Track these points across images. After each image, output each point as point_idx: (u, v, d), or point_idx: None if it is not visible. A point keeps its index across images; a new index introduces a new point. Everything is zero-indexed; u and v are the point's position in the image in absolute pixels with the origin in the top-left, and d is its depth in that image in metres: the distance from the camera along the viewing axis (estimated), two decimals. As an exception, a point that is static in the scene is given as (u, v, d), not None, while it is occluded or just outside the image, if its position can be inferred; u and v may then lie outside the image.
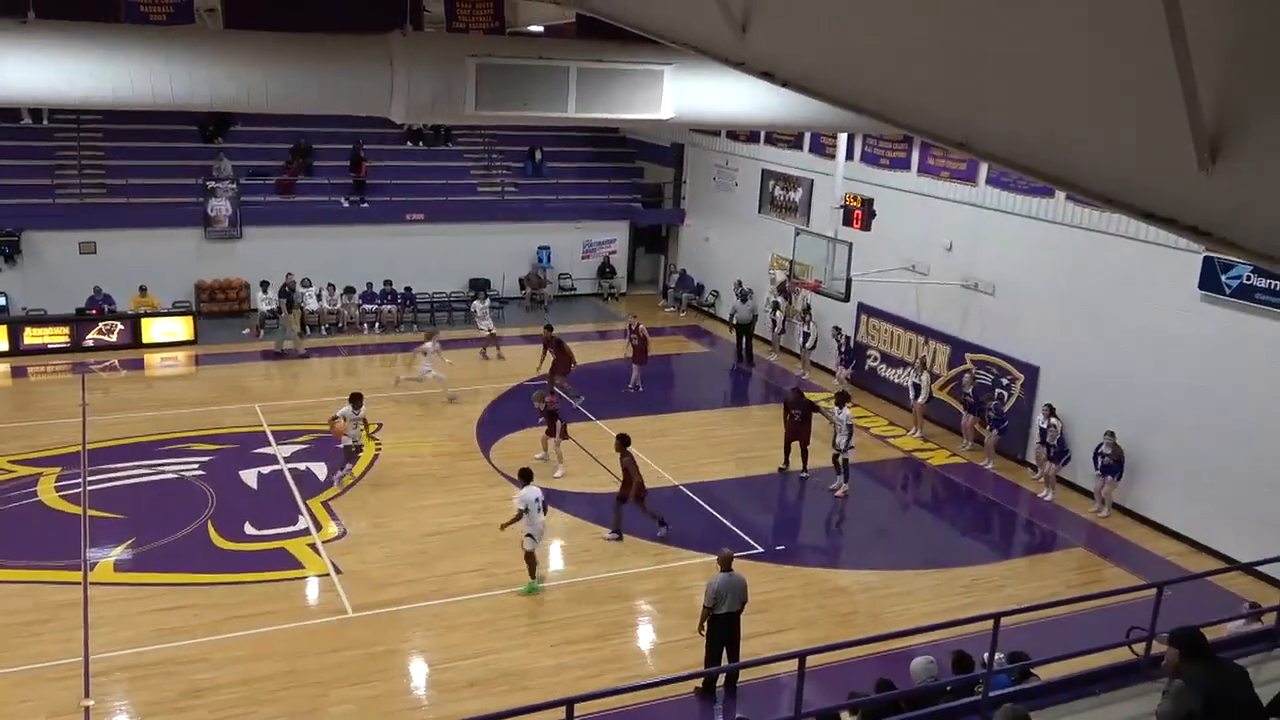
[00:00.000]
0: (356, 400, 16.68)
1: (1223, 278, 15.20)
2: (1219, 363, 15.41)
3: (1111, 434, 16.42)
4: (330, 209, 27.11)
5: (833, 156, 22.17)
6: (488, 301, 24.95)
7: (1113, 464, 16.50)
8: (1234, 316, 15.16)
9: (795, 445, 18.07)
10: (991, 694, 8.12)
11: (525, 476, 13.94)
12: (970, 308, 20.17)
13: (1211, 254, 15.07)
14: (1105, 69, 4.58)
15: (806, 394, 18.74)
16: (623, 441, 15.34)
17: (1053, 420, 17.41)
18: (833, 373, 23.16)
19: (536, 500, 13.50)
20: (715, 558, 11.94)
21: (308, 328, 24.88)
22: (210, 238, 25.87)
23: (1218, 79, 4.04)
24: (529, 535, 13.49)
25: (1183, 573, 14.32)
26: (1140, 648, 8.67)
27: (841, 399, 17.76)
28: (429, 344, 20.85)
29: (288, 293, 24.38)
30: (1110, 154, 4.65)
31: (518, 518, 13.48)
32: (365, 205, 27.51)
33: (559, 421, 17.65)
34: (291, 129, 27.49)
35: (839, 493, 17.40)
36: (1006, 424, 18.71)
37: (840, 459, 17.31)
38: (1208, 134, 4.11)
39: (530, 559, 13.63)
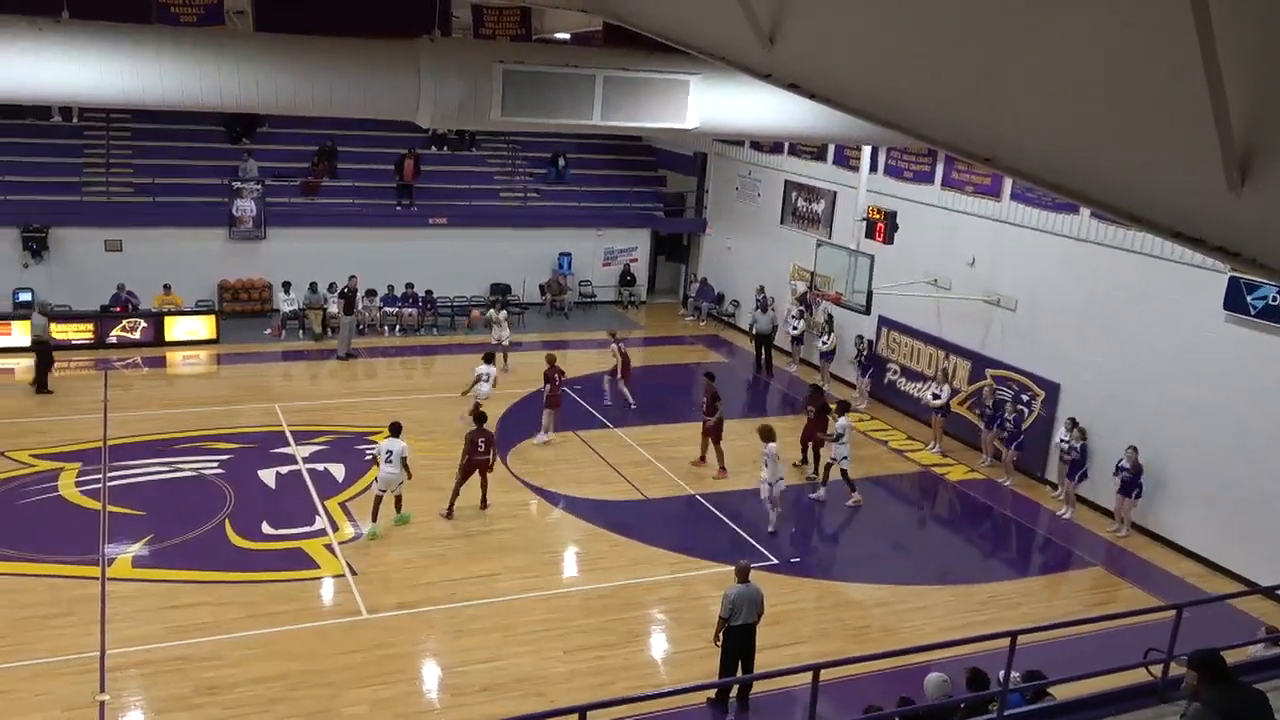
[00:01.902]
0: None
1: (1248, 298, 15.06)
2: (1242, 383, 15.29)
3: (1134, 449, 16.31)
4: (354, 211, 27.26)
5: (856, 169, 22.13)
6: (504, 312, 24.46)
7: (1131, 479, 16.37)
8: (1258, 337, 15.01)
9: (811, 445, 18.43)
10: (1006, 713, 8.08)
11: (393, 429, 15.58)
12: (992, 323, 20.09)
13: (1237, 274, 14.95)
14: (1135, 87, 4.56)
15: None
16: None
17: (1075, 432, 17.31)
18: (853, 385, 23.12)
19: (386, 453, 15.05)
20: (730, 568, 11.92)
21: (329, 330, 24.99)
22: (234, 238, 26.04)
23: (1249, 98, 4.02)
24: (376, 480, 15.24)
25: (1202, 594, 14.21)
26: (1158, 669, 8.61)
27: (843, 407, 17.86)
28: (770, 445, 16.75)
29: (347, 295, 24.31)
30: (1139, 172, 4.63)
31: (374, 462, 15.35)
32: (415, 208, 27.73)
33: (552, 386, 19.06)
34: (318, 131, 27.67)
35: (816, 496, 17.64)
36: (1023, 440, 18.61)
37: (834, 468, 17.45)
38: (1237, 153, 4.08)
39: (375, 503, 15.20)
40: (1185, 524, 16.28)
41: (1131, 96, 4.59)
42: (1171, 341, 16.35)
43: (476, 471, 16.03)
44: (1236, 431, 15.34)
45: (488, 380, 18.99)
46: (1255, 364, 15.10)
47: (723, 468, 18.12)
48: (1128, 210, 4.72)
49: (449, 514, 15.96)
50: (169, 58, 11.39)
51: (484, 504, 16.32)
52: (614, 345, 21.92)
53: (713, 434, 18.18)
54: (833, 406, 18.36)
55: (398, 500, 15.43)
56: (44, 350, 20.71)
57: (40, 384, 20.46)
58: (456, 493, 16.02)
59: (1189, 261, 15.58)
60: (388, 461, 15.01)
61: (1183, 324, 16.17)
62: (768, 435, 16.01)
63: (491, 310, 24.61)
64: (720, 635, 11.48)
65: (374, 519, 15.19)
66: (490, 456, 16.22)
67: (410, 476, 15.41)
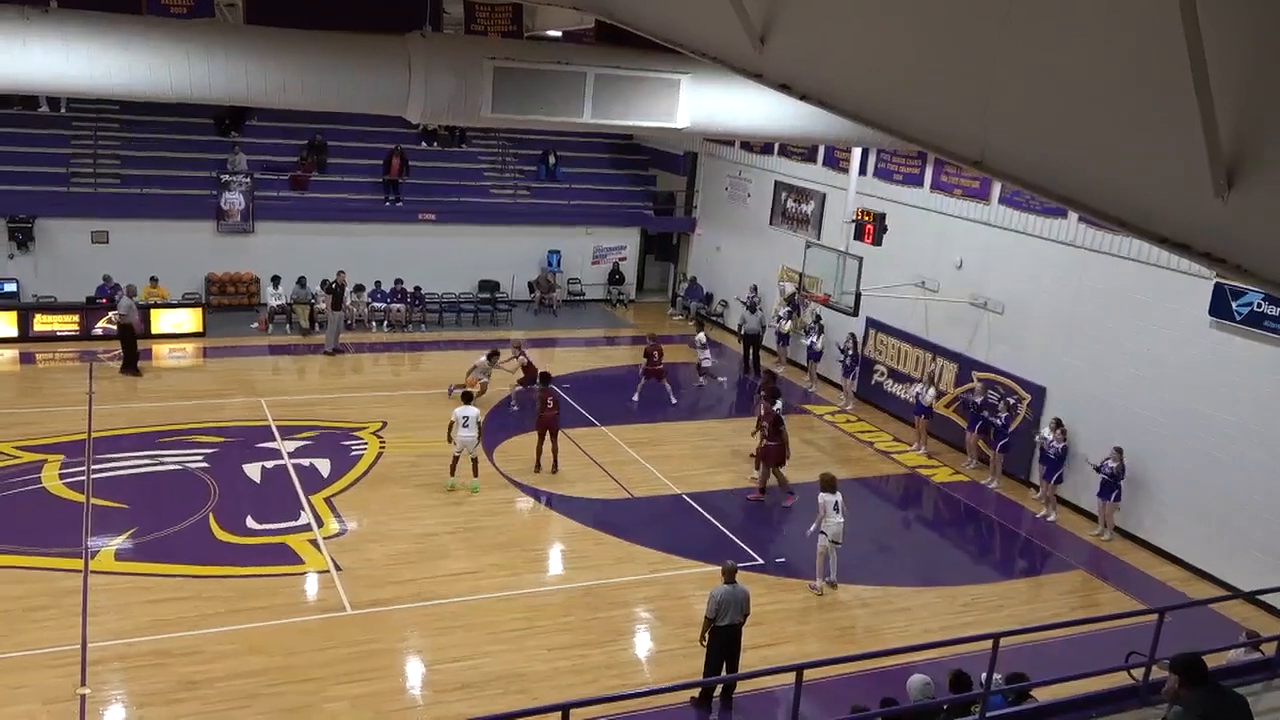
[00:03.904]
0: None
1: (1233, 304, 15.16)
2: (1227, 389, 15.37)
3: (1119, 449, 16.37)
4: (343, 206, 27.16)
5: (846, 170, 22.17)
6: (485, 360, 21.25)
7: (1111, 480, 16.43)
8: (1243, 344, 15.12)
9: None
10: (988, 715, 8.10)
11: (465, 399, 17.11)
12: (979, 326, 20.15)
13: (1223, 280, 15.04)
14: (1124, 94, 4.58)
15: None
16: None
17: (1058, 432, 17.36)
18: (839, 386, 23.14)
19: (464, 418, 16.40)
20: (715, 568, 11.91)
21: (317, 324, 24.92)
22: (222, 231, 25.93)
23: (1236, 105, 4.03)
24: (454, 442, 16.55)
25: (1183, 599, 14.27)
26: (1139, 673, 8.65)
27: (774, 394, 18.01)
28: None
29: (335, 290, 24.02)
30: (1126, 178, 4.64)
31: (450, 428, 16.52)
32: (400, 204, 27.70)
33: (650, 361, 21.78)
34: (307, 125, 27.57)
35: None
36: (1009, 442, 18.67)
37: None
38: (1225, 160, 4.10)
39: (453, 462, 16.63)
40: (1168, 528, 16.36)
41: (1121, 103, 4.61)
42: (1157, 346, 16.42)
43: (546, 432, 17.50)
44: (1220, 437, 15.42)
45: (468, 426, 16.43)
46: (1240, 370, 15.18)
47: (762, 491, 17.37)
48: (1115, 215, 4.73)
49: (537, 468, 17.67)
50: (158, 49, 11.34)
51: (555, 467, 17.60)
52: (518, 356, 20.78)
53: (768, 459, 17.20)
54: (761, 393, 18.31)
55: (474, 464, 16.66)
56: (129, 334, 21.30)
57: (131, 365, 21.31)
58: (540, 450, 17.67)
59: (1175, 267, 15.66)
60: (465, 426, 16.32)
61: (1169, 329, 16.24)
62: (829, 485, 14.40)
63: (484, 358, 21.23)
64: (706, 635, 11.49)
65: (452, 474, 16.66)
66: (558, 415, 17.63)
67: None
